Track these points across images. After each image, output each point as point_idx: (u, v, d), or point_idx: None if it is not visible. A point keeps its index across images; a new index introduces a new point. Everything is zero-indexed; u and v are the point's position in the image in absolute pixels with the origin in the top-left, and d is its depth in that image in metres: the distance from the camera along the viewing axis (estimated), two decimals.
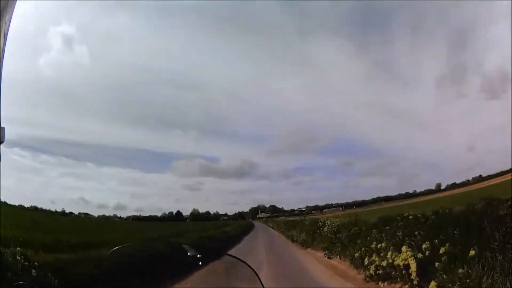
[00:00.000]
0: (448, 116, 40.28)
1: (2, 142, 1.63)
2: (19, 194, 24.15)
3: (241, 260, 2.26)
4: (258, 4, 33.14)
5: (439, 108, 38.70)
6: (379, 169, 36.20)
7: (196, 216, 36.79)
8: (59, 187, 32.91)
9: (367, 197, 34.42)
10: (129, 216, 31.50)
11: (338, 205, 34.08)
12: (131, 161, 39.41)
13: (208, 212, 36.72)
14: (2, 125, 1.62)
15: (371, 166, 36.40)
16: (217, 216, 36.85)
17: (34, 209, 24.73)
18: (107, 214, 30.32)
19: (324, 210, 34.27)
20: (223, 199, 40.85)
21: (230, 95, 37.62)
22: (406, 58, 36.18)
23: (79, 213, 27.98)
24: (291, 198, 39.97)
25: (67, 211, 26.91)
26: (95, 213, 29.16)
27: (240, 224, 32.38)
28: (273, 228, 32.92)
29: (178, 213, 36.95)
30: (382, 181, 37.57)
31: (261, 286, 2.06)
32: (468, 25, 34.78)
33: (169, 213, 37.30)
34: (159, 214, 34.17)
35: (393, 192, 33.88)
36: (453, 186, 36.16)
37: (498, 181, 34.70)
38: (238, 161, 37.42)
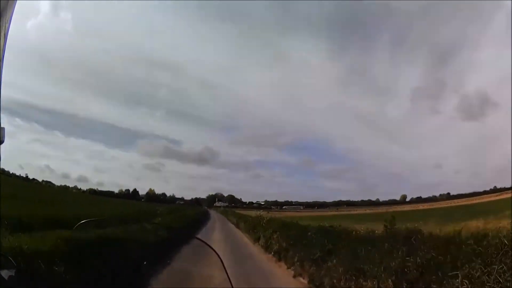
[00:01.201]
0: (420, 130, 39.49)
1: (2, 142, 1.58)
2: None
3: (208, 245, 2.36)
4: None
5: (412, 121, 37.61)
6: (340, 173, 35.53)
7: (151, 196, 35.15)
8: (28, 153, 33.76)
9: (328, 199, 33.23)
10: (87, 190, 31.23)
11: (299, 203, 32.72)
12: (97, 134, 38.40)
13: (164, 194, 35.12)
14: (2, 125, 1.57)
15: (333, 169, 35.75)
16: (172, 199, 35.15)
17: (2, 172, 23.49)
18: (69, 185, 30.56)
19: (284, 207, 32.87)
20: (182, 182, 39.93)
21: (202, 80, 37.07)
22: (384, 66, 35.55)
23: (42, 180, 28.25)
24: (249, 191, 39.81)
25: (32, 177, 27.34)
26: (59, 182, 29.47)
27: (187, 214, 25.03)
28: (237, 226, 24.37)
29: (135, 191, 35.41)
30: (342, 186, 36.99)
31: (225, 270, 2.14)
32: (454, 43, 33.93)
33: (125, 190, 36.15)
34: (116, 190, 33.83)
35: (354, 198, 32.90)
36: (418, 200, 35.17)
37: (464, 202, 33.83)
38: (200, 147, 36.31)
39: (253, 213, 31.75)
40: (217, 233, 19.52)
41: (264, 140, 37.00)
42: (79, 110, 36.65)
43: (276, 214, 32.57)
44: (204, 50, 36.37)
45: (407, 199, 34.28)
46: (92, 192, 32.69)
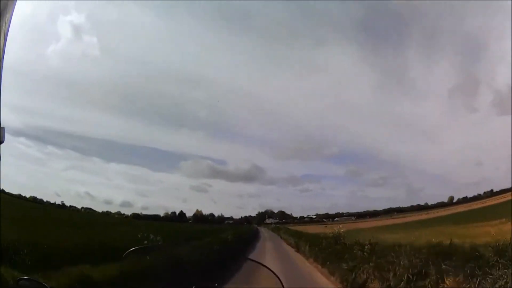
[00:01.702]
0: (458, 128, 40.02)
1: (2, 142, 1.65)
2: (22, 184, 23.77)
3: (262, 265, 2.27)
4: (270, 5, 31.91)
5: (450, 120, 38.35)
6: (386, 180, 35.63)
7: (199, 217, 35.03)
8: (65, 180, 31.04)
9: (377, 207, 33.73)
10: (131, 214, 30.61)
11: (350, 214, 33.21)
12: (139, 158, 37.11)
13: (212, 214, 35.08)
14: (2, 125, 1.68)
15: (379, 177, 35.78)
16: (221, 219, 35.17)
17: (33, 200, 24.06)
18: (112, 210, 29.89)
19: (335, 219, 33.24)
20: (230, 202, 39.36)
21: (240, 96, 36.59)
22: (417, 67, 35.78)
23: (82, 207, 26.92)
24: (298, 205, 39.55)
25: (72, 204, 26.09)
26: (101, 208, 28.51)
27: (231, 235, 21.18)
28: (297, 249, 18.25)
29: (182, 213, 35.25)
30: (389, 193, 37.01)
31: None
32: (482, 36, 34.79)
33: (171, 212, 35.94)
34: (162, 214, 33.12)
35: (403, 204, 33.39)
36: (465, 199, 35.77)
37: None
38: (246, 165, 36.26)
39: (310, 228, 31.15)
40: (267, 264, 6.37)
41: (308, 152, 36.82)
42: (116, 136, 35.90)
43: (331, 228, 32.37)
44: (237, 65, 35.92)
45: (454, 200, 34.94)
46: (136, 216, 32.12)
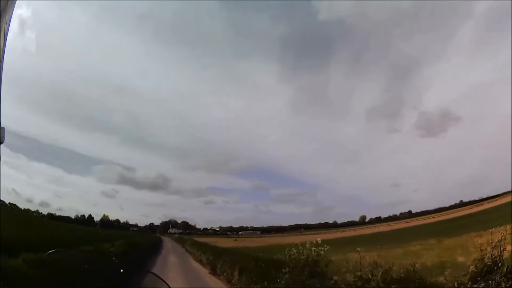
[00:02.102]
0: (376, 150, 38.43)
1: (2, 142, 1.67)
2: None
3: (163, 280, 2.27)
4: (202, 20, 32.49)
5: (368, 141, 36.72)
6: (295, 197, 34.41)
7: (105, 222, 34.01)
8: None
9: (283, 223, 32.00)
10: (47, 214, 31.04)
11: (255, 229, 31.43)
12: (57, 159, 37.23)
13: (118, 220, 33.86)
14: (2, 125, 1.67)
15: (287, 193, 34.43)
16: (126, 225, 33.84)
17: None
18: (32, 208, 30.34)
19: (240, 232, 31.58)
20: (137, 209, 38.97)
21: (158, 104, 36.28)
22: (338, 86, 34.58)
23: (9, 203, 27.59)
24: (202, 217, 38.91)
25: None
26: (23, 206, 29.10)
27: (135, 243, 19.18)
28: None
29: (90, 217, 34.57)
30: (297, 209, 35.63)
31: None
32: (411, 59, 33.05)
33: (81, 216, 35.38)
34: (72, 216, 32.93)
35: (310, 221, 31.73)
36: (378, 220, 33.95)
37: (427, 221, 33.06)
38: (153, 173, 35.54)
39: (219, 241, 28.31)
40: None
41: (216, 165, 35.94)
42: (40, 134, 36.08)
43: (242, 241, 29.73)
44: (159, 74, 35.76)
45: (366, 220, 33.05)
46: (50, 216, 32.38)
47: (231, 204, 34.66)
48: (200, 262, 16.24)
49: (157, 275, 2.35)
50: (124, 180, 35.94)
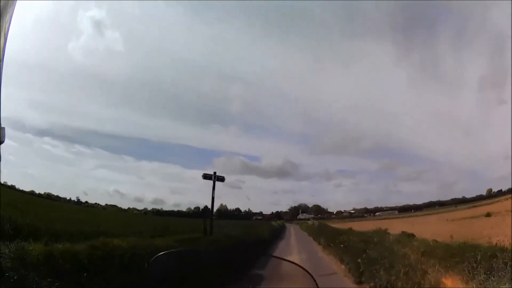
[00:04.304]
0: (487, 121, 38.79)
1: (2, 142, 1.64)
2: (48, 184, 25.16)
3: (290, 261, 2.15)
4: (306, 4, 29.12)
5: (480, 113, 36.93)
6: (420, 175, 34.52)
7: (222, 213, 30.51)
8: (94, 179, 31.44)
9: (416, 201, 31.81)
10: (150, 210, 28.69)
11: (391, 209, 30.70)
12: (172, 156, 35.62)
13: (238, 209, 30.40)
14: (2, 125, 1.65)
15: (413, 171, 34.55)
16: (248, 214, 30.58)
17: (47, 196, 23.97)
18: (142, 207, 28.72)
19: (377, 213, 30.60)
20: (265, 198, 37.07)
21: (274, 91, 34.37)
22: (449, 60, 33.93)
23: (106, 204, 26.89)
24: (332, 200, 37.32)
25: (97, 202, 26.54)
26: (132, 205, 28.16)
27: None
28: None
29: (206, 208, 30.98)
30: (423, 187, 36.08)
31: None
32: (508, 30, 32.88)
33: (194, 208, 32.06)
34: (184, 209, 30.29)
35: (435, 198, 32.09)
36: (499, 193, 35.01)
37: None
38: (280, 161, 33.08)
39: (363, 225, 23.61)
40: None
41: (343, 148, 34.39)
42: (148, 134, 35.63)
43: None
44: (272, 60, 33.14)
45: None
46: (155, 212, 30.69)
47: (361, 185, 33.22)
48: None
49: (280, 258, 2.24)
50: (249, 170, 33.06)
